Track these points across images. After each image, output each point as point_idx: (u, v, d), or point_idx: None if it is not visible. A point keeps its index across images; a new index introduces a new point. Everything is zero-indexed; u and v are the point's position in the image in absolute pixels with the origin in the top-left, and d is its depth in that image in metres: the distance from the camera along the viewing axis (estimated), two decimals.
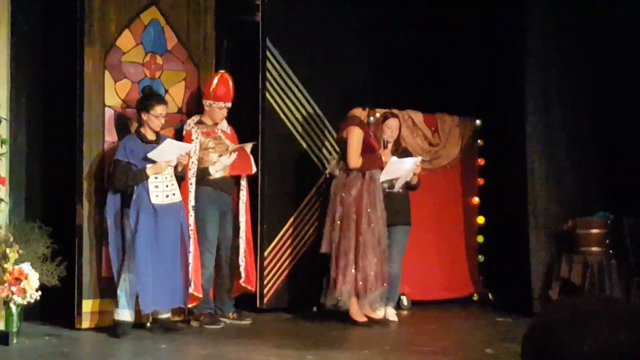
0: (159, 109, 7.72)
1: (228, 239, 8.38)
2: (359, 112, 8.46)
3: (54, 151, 8.29)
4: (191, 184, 8.07)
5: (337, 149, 8.89)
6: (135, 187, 7.56)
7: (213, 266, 8.28)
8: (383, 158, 8.36)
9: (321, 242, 8.48)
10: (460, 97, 10.13)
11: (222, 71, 8.36)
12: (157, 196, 7.61)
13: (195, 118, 8.29)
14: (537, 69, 9.01)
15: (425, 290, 9.72)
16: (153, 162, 7.59)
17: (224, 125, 8.39)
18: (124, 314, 7.57)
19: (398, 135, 8.77)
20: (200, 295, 8.06)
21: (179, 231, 7.76)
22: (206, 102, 8.25)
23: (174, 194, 7.73)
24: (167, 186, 7.69)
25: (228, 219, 8.37)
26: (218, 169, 8.18)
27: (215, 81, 8.22)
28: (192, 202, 8.07)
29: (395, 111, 9.06)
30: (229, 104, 8.29)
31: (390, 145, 8.52)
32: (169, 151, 7.62)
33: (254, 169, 8.45)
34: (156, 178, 7.63)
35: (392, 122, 8.65)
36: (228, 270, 8.41)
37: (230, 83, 8.26)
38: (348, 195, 8.26)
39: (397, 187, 8.63)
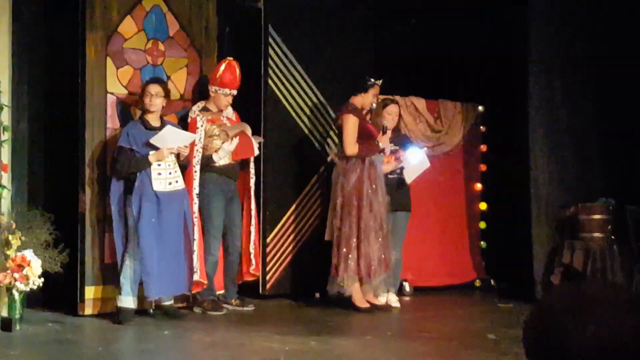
0: (151, 88, 7.71)
1: (236, 225, 8.37)
2: (358, 100, 8.44)
3: (56, 138, 8.29)
4: (196, 171, 8.06)
5: None
6: (138, 173, 7.56)
7: (219, 253, 8.29)
8: (380, 144, 8.36)
9: (325, 229, 8.52)
10: (462, 83, 10.12)
11: (230, 58, 8.32)
12: (159, 183, 7.60)
13: (200, 105, 8.28)
14: (539, 55, 8.99)
15: (427, 276, 9.74)
16: (156, 148, 7.58)
17: (229, 111, 8.38)
18: (127, 301, 7.57)
19: (398, 121, 8.81)
20: (205, 282, 8.07)
21: (182, 218, 7.74)
22: (212, 88, 8.24)
23: (177, 181, 7.72)
24: (170, 173, 7.68)
25: (235, 205, 8.36)
26: (222, 156, 8.17)
27: (222, 67, 8.21)
28: (196, 189, 8.05)
29: (396, 97, 9.08)
30: (235, 92, 8.28)
31: (389, 132, 8.52)
32: (170, 138, 7.60)
33: (257, 152, 8.43)
34: (159, 165, 7.62)
35: (392, 109, 8.68)
36: (237, 257, 8.42)
37: (237, 71, 8.24)
38: (347, 182, 8.27)
39: (409, 180, 8.66)
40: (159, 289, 7.62)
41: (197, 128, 8.10)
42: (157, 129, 7.65)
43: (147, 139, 7.56)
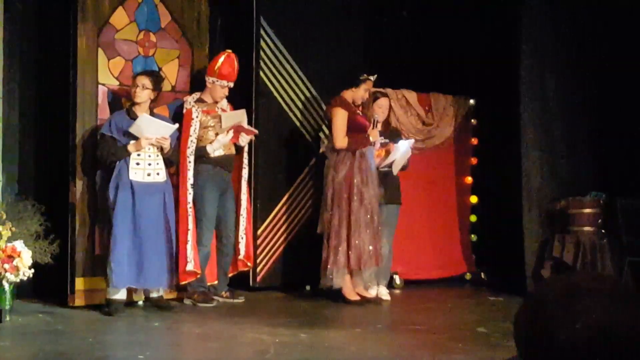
0: (138, 80, 7.71)
1: (229, 217, 8.36)
2: (348, 94, 8.44)
3: (47, 129, 8.26)
4: (190, 162, 8.04)
5: None
6: (117, 162, 7.55)
7: (211, 244, 8.28)
8: (371, 138, 8.36)
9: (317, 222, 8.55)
10: (454, 76, 10.11)
11: (229, 50, 8.30)
12: (135, 173, 7.56)
13: (195, 96, 8.27)
14: (531, 49, 9.00)
15: (418, 269, 9.75)
16: (137, 138, 7.56)
17: (224, 103, 8.38)
18: (116, 292, 7.56)
19: (388, 114, 8.82)
20: (199, 272, 8.04)
21: (161, 212, 7.67)
22: (209, 79, 8.22)
23: (157, 174, 7.67)
24: (149, 164, 7.63)
25: (229, 197, 8.35)
26: (216, 148, 8.16)
27: (221, 59, 8.19)
28: (190, 180, 8.03)
29: (387, 90, 9.08)
30: (231, 84, 8.27)
31: (379, 125, 8.53)
32: (146, 127, 7.55)
33: (254, 130, 8.44)
34: (138, 155, 7.60)
35: (383, 102, 8.69)
36: (230, 249, 8.41)
37: (236, 64, 8.24)
38: (337, 175, 8.27)
39: (396, 170, 8.67)
40: (127, 279, 7.55)
41: (193, 119, 8.09)
42: None
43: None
